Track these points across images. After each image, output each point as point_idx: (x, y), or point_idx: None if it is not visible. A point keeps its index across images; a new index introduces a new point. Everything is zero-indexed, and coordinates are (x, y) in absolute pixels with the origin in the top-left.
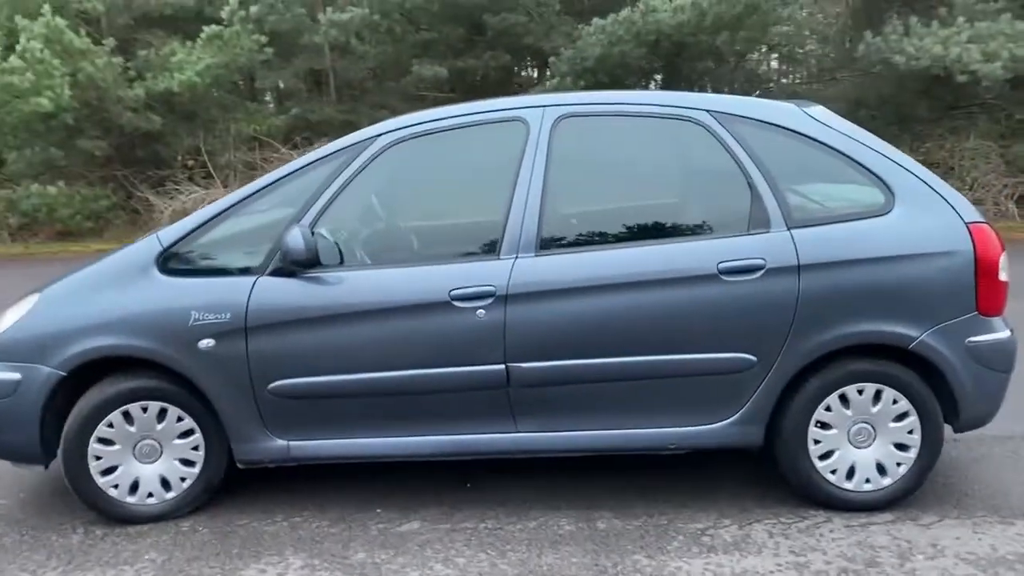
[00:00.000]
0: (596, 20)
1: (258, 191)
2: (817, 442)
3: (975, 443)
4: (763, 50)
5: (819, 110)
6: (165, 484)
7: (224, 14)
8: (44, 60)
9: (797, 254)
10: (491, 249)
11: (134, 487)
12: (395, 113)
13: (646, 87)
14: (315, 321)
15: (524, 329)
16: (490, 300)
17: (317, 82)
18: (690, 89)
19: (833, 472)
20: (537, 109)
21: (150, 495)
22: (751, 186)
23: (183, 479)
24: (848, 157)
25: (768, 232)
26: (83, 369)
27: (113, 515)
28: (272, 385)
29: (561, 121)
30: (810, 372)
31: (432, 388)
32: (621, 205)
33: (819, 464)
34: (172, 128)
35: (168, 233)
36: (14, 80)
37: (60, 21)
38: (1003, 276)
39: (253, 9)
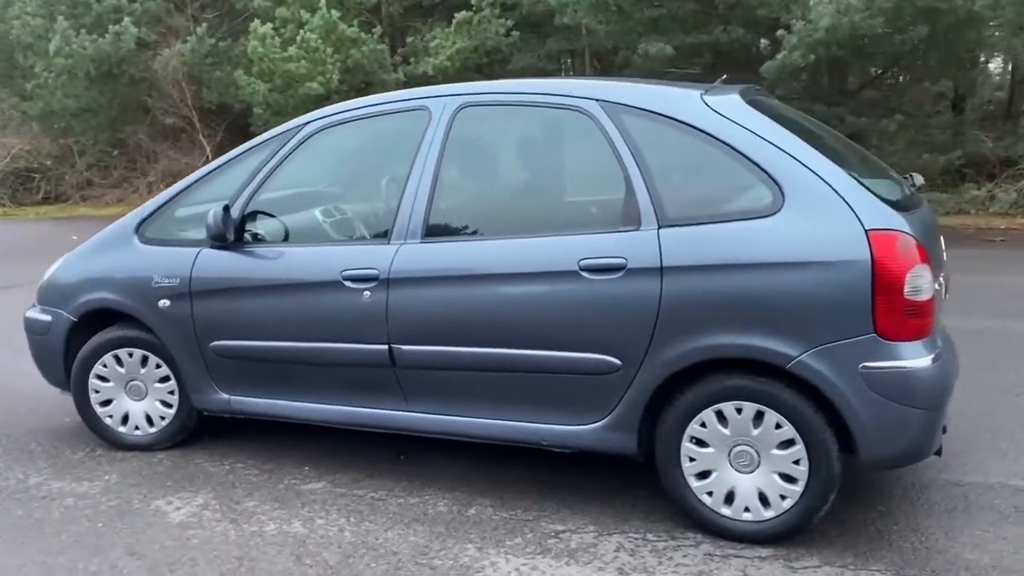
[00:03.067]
0: None
1: (211, 172)
2: (692, 459)
3: (976, 491)
4: None
5: (725, 99)
6: (149, 420)
7: (474, 0)
8: (318, 49)
9: (661, 255)
10: (384, 234)
11: (125, 419)
12: None
13: (901, 63)
14: (240, 291)
15: (404, 313)
16: (374, 283)
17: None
18: (957, 62)
19: (709, 494)
20: (441, 99)
21: (136, 427)
22: (627, 180)
23: (163, 417)
24: (739, 152)
25: (637, 230)
26: (91, 316)
27: (109, 440)
28: (212, 344)
29: (461, 111)
30: (684, 382)
31: (331, 361)
32: (505, 196)
33: (694, 483)
34: None
35: (146, 207)
36: (291, 67)
37: (334, 13)
38: (914, 295)
39: None
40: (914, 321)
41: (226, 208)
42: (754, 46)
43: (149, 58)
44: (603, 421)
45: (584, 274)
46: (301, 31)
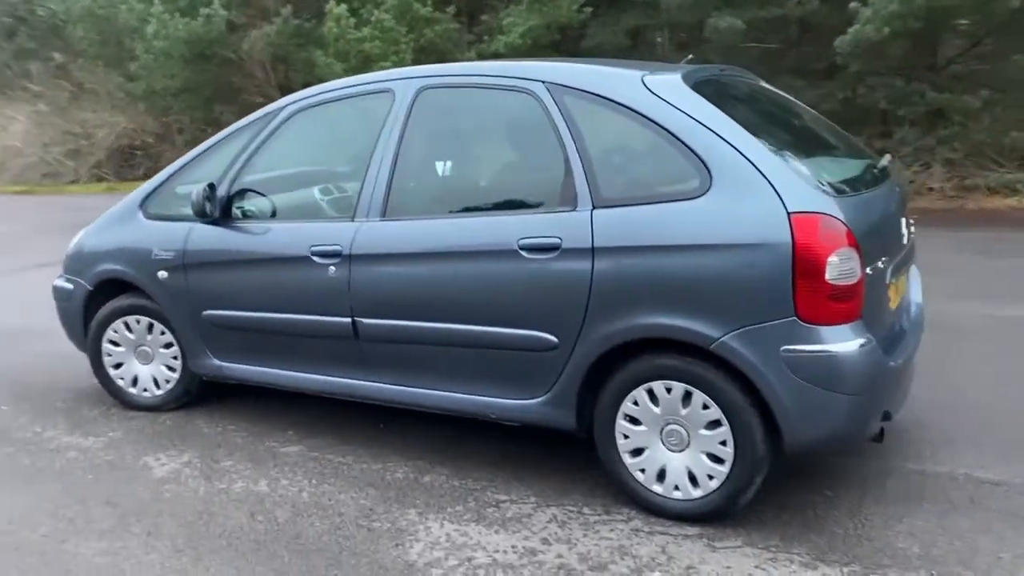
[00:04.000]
0: None
1: (205, 151)
2: (626, 437)
3: (936, 481)
4: None
5: (665, 80)
6: (156, 383)
7: None
8: (392, 29)
9: (592, 235)
10: (350, 211)
11: (135, 381)
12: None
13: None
14: (227, 264)
15: (364, 288)
16: (338, 259)
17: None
18: None
19: (642, 471)
20: (405, 81)
21: (145, 389)
22: (566, 161)
23: (167, 381)
24: (672, 134)
25: (573, 211)
26: (105, 285)
27: (121, 401)
28: (203, 314)
29: (421, 93)
30: (619, 361)
31: (304, 332)
32: (458, 175)
33: (628, 460)
34: None
35: (149, 184)
36: (366, 47)
37: None
38: (838, 279)
39: None
40: (839, 305)
41: (211, 186)
42: (832, 18)
43: (238, 39)
44: (544, 397)
45: (523, 253)
46: (376, 11)
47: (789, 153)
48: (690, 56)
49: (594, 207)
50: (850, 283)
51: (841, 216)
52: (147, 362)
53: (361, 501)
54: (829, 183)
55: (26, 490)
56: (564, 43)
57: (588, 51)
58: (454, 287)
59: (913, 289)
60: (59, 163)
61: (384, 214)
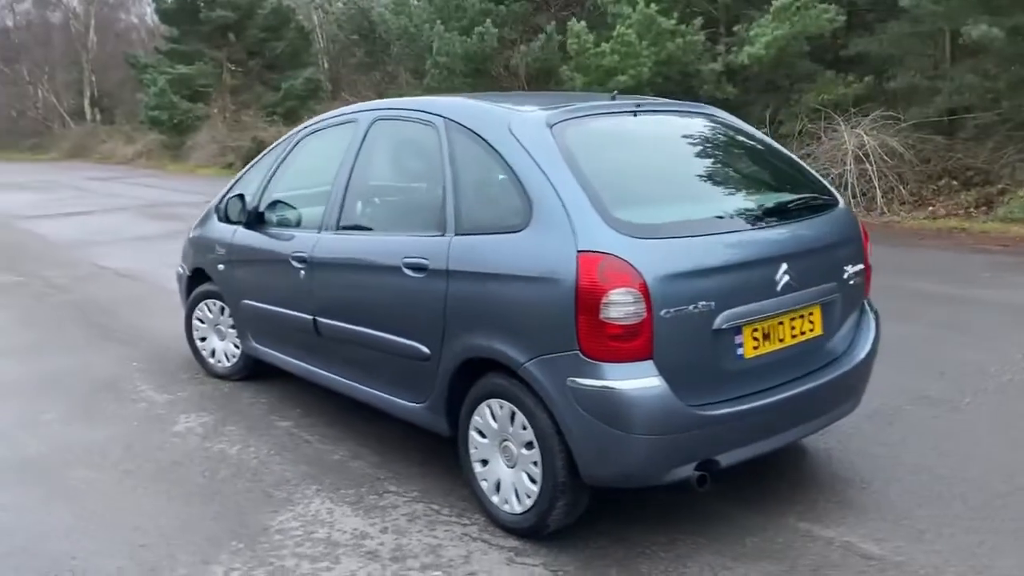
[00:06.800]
0: None
1: (252, 166)
2: (476, 448)
3: (806, 544)
4: None
5: (526, 120)
6: (226, 356)
7: None
8: (633, 43)
9: (448, 259)
10: (320, 223)
11: (213, 353)
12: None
13: None
14: (252, 262)
15: (318, 290)
16: (305, 264)
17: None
18: None
19: (485, 481)
20: (366, 112)
21: (220, 361)
22: (444, 190)
23: (234, 356)
24: (513, 171)
25: (441, 236)
26: (197, 272)
27: (204, 368)
28: (242, 302)
29: (375, 123)
30: (472, 376)
31: (289, 325)
32: (383, 196)
33: (478, 469)
34: (746, 98)
35: (223, 190)
36: (605, 62)
37: (652, 8)
38: (617, 319)
39: None
40: (621, 344)
41: (240, 196)
42: None
43: (509, 56)
44: (427, 402)
45: (405, 270)
46: (619, 27)
47: (627, 193)
48: (615, 92)
49: (456, 234)
50: (633, 323)
51: (628, 257)
52: (222, 339)
53: (286, 473)
54: (661, 223)
55: (90, 428)
56: (820, 53)
57: (848, 61)
58: (367, 295)
59: (857, 337)
60: None
61: (338, 227)
